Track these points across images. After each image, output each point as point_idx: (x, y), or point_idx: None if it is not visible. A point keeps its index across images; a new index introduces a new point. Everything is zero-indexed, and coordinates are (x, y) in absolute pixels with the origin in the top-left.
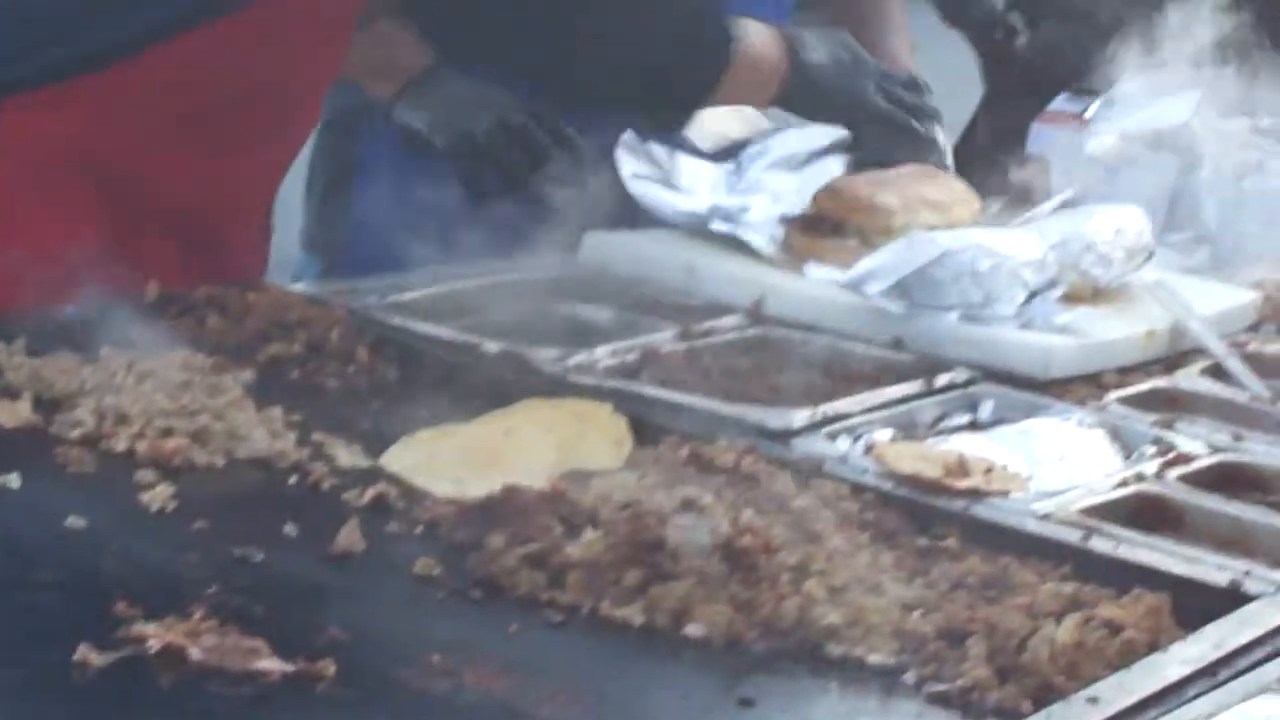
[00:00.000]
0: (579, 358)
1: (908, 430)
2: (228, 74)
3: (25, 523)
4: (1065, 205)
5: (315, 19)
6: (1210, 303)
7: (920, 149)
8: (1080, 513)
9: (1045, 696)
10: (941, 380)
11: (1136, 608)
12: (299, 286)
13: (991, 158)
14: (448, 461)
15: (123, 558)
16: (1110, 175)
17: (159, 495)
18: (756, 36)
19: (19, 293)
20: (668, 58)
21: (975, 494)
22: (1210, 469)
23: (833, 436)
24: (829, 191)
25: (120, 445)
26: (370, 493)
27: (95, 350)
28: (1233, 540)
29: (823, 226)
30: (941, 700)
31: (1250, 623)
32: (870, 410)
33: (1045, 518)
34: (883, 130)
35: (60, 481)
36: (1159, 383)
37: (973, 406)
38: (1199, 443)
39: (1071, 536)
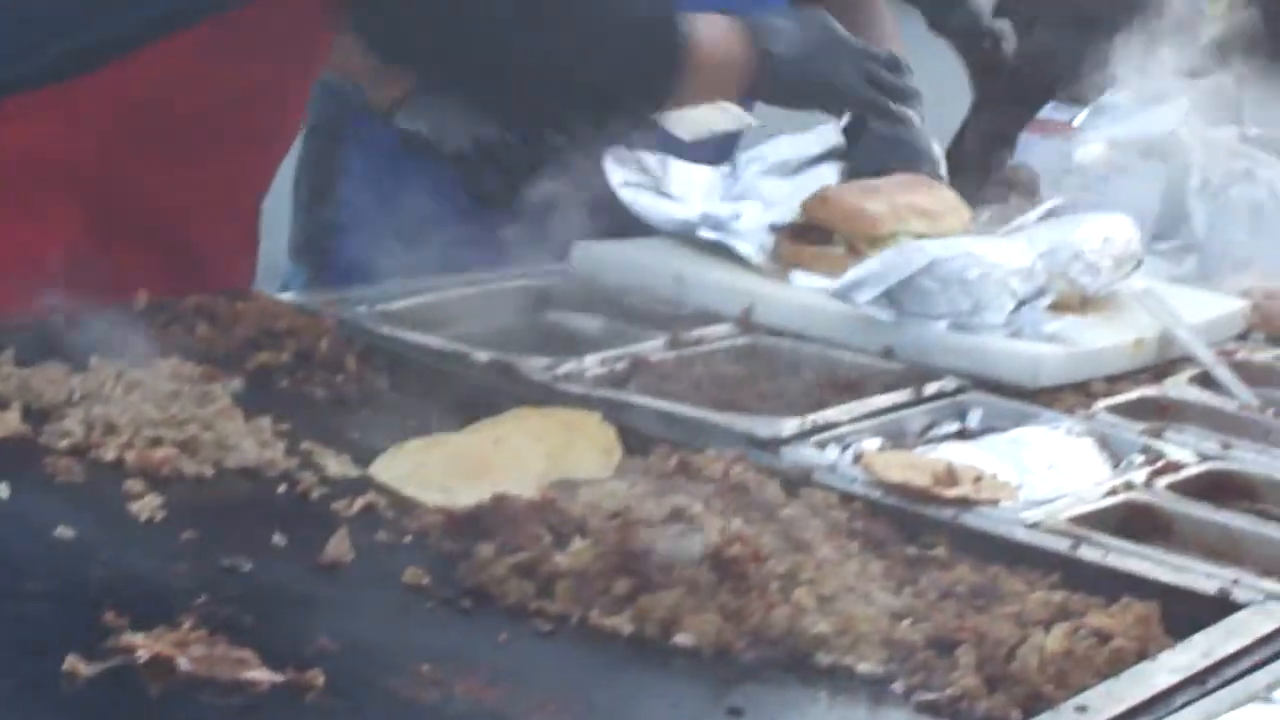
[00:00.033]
0: (568, 367)
1: (896, 439)
2: (204, 80)
3: (14, 533)
4: (1052, 214)
5: (292, 23)
6: (1198, 311)
7: (915, 159)
8: (1069, 521)
9: (1034, 705)
10: (930, 389)
11: (1125, 616)
12: (287, 295)
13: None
14: (437, 471)
15: (111, 567)
16: (1098, 184)
17: (148, 505)
18: (713, 30)
19: None
20: (616, 69)
21: (964, 503)
22: (1199, 477)
23: (822, 445)
24: (818, 199)
25: (109, 455)
26: (359, 502)
27: (84, 360)
28: (1221, 549)
29: (811, 234)
30: (930, 709)
31: (1239, 631)
32: (859, 419)
33: (1034, 526)
34: (878, 139)
35: (49, 491)
36: (1147, 391)
37: (961, 415)
38: (1187, 451)
39: (1060, 545)
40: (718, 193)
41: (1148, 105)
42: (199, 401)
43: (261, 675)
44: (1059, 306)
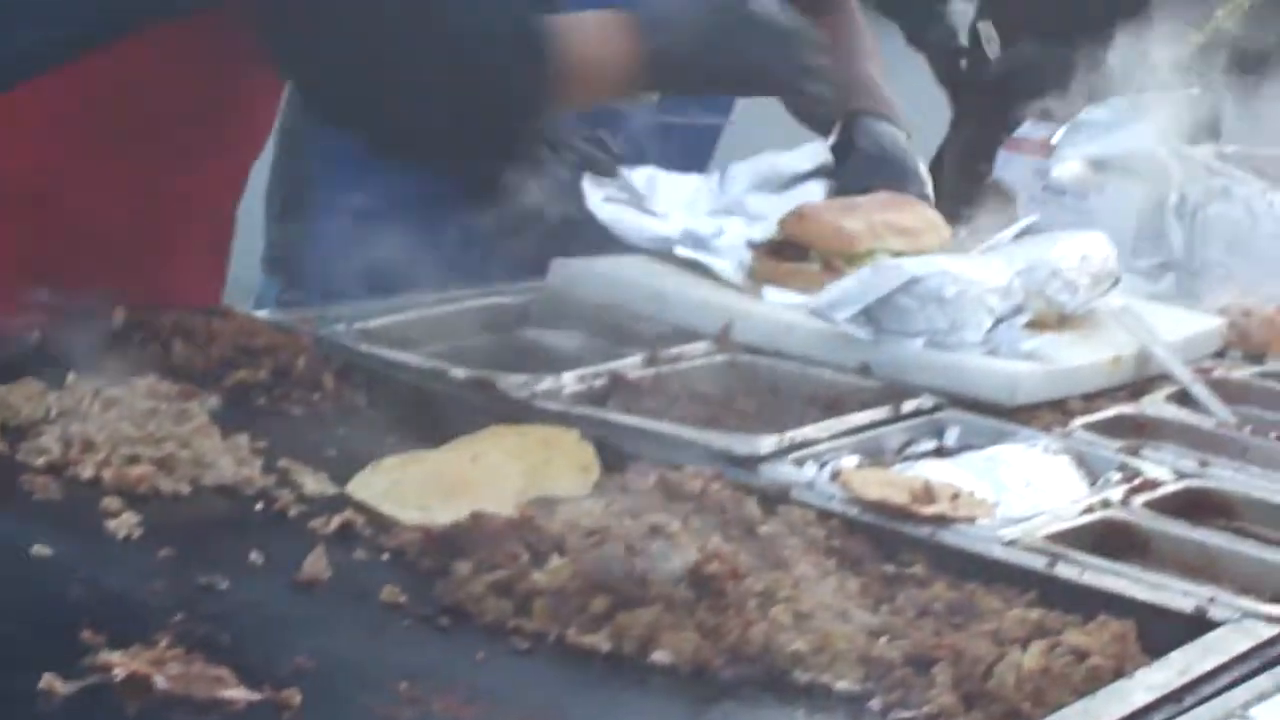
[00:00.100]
0: (546, 384)
1: (874, 456)
2: (158, 88)
3: None
4: (1028, 231)
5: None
6: (1176, 329)
7: (902, 177)
8: (1046, 539)
9: None
10: (908, 406)
11: (1102, 634)
12: (264, 313)
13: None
14: (414, 488)
15: (88, 585)
16: (1076, 201)
17: (125, 523)
18: (589, 30)
19: None
20: (483, 86)
21: (941, 520)
22: (1176, 495)
23: (799, 463)
24: (795, 216)
25: (86, 472)
26: (337, 520)
27: (61, 377)
28: (1198, 566)
29: (787, 251)
30: None
31: (1215, 649)
32: (837, 436)
33: (1011, 544)
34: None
35: (26, 509)
36: (1125, 409)
37: (939, 433)
38: (1164, 469)
39: (1037, 563)
40: (703, 207)
41: (1126, 123)
42: (176, 419)
43: (238, 694)
44: (1036, 324)
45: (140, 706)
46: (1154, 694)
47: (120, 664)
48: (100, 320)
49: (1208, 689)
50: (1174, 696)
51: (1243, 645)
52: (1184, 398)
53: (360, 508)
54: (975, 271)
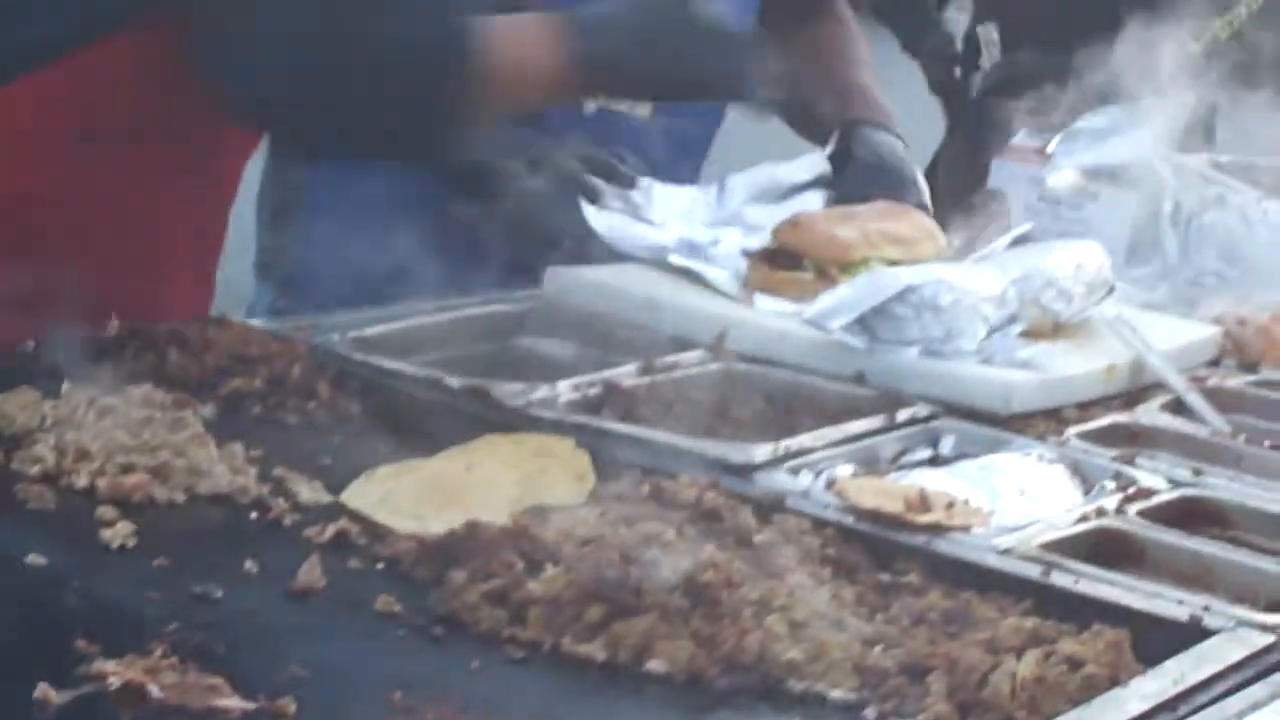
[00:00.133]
0: (541, 392)
1: (869, 465)
2: (133, 91)
3: None
4: (1022, 240)
5: None
6: (1170, 338)
7: (900, 186)
8: (1041, 548)
9: None
10: (903, 415)
11: (1097, 643)
12: (258, 321)
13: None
14: (409, 497)
15: (83, 594)
16: (1071, 210)
17: (119, 532)
18: (516, 33)
19: None
20: (397, 88)
21: (936, 529)
22: (1170, 504)
23: (794, 471)
24: (789, 224)
25: (81, 482)
26: (331, 529)
27: (56, 386)
28: (1193, 575)
29: (781, 259)
30: None
31: (1210, 658)
32: (832, 445)
33: (1006, 553)
34: (863, 167)
35: (20, 518)
36: (1119, 418)
37: (934, 441)
38: (1159, 478)
39: (1032, 572)
40: (700, 218)
41: (1120, 132)
42: (171, 428)
43: (233, 703)
44: (1031, 333)
45: (135, 716)
46: (1148, 703)
47: (115, 673)
48: (95, 329)
49: (1202, 698)
50: (1168, 705)
51: (1237, 654)
52: (1179, 406)
53: (355, 517)
54: (970, 280)
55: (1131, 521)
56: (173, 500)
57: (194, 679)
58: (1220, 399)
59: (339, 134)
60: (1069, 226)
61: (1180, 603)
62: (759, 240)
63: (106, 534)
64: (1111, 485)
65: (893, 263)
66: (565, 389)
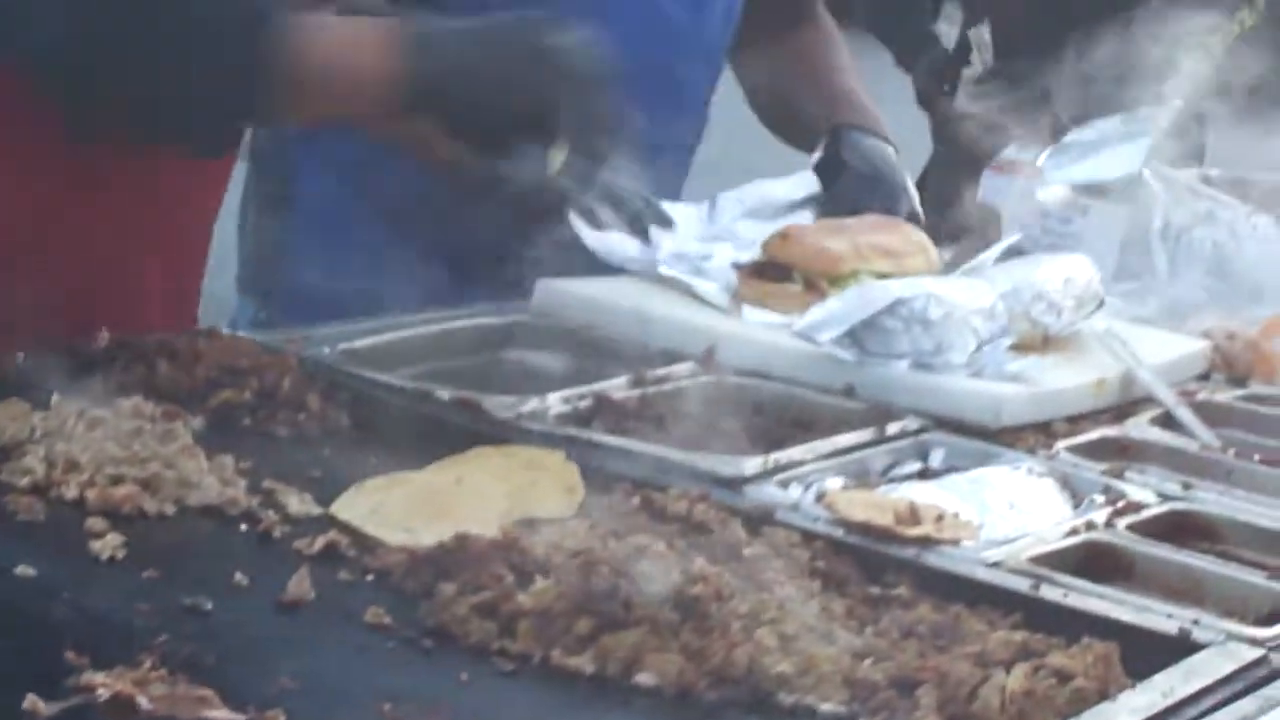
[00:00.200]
0: (531, 405)
1: (859, 478)
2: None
3: None
4: (1010, 253)
5: None
6: (1160, 352)
7: (892, 195)
8: (1030, 561)
9: None
10: (893, 428)
11: (1086, 656)
12: (246, 333)
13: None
14: (398, 510)
15: (72, 606)
16: (1060, 224)
17: (109, 543)
18: (345, 36)
19: None
20: (193, 77)
21: (926, 542)
22: (1160, 518)
23: (784, 484)
24: (779, 237)
25: (70, 493)
26: (321, 541)
27: (46, 398)
28: (1182, 589)
29: (770, 272)
30: None
31: (1199, 672)
32: (822, 458)
33: (995, 566)
34: (855, 176)
35: (9, 529)
36: (1109, 431)
37: (924, 455)
38: (1148, 492)
39: (1021, 585)
40: (692, 234)
41: (1110, 146)
42: (161, 439)
43: (222, 715)
44: (1021, 347)
45: None
46: (1137, 716)
47: (104, 685)
48: (84, 341)
49: (1191, 712)
50: (1158, 719)
51: (1227, 668)
52: (1168, 421)
53: (345, 529)
54: (960, 294)
55: (1121, 535)
56: (162, 512)
57: (183, 691)
58: (1209, 413)
59: (129, 108)
60: (1059, 240)
61: (1169, 616)
62: (750, 254)
63: (96, 545)
64: (1101, 499)
65: (882, 276)
66: (555, 401)
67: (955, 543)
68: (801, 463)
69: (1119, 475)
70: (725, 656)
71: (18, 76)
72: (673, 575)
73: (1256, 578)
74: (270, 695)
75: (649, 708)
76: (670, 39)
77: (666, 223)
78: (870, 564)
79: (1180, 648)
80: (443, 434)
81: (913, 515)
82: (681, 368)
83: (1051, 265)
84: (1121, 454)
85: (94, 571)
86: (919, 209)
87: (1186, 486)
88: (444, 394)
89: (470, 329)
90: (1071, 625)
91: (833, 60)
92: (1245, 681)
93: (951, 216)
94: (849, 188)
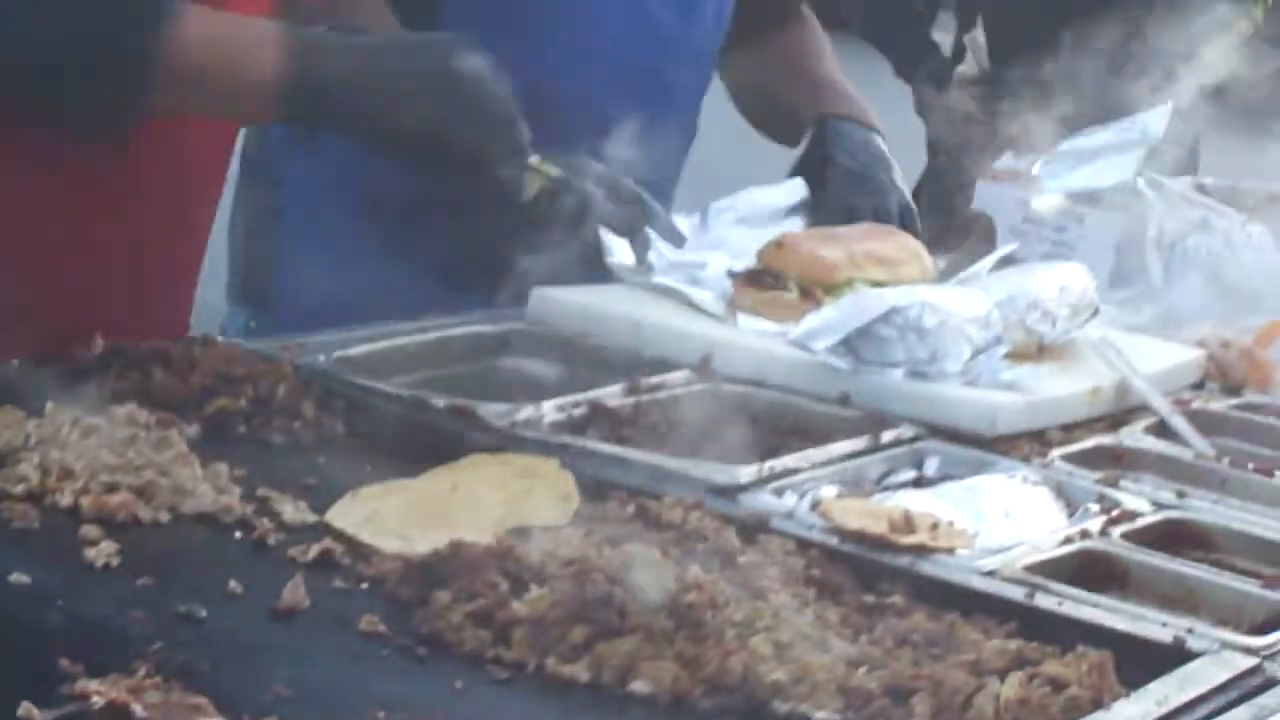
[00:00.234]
0: (526, 413)
1: (854, 486)
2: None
3: None
4: (1006, 261)
5: None
6: (1154, 360)
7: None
8: (1025, 570)
9: None
10: (887, 436)
11: (1080, 665)
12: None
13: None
14: (393, 517)
15: (66, 613)
16: (1055, 232)
17: (103, 551)
18: (234, 31)
19: None
20: (68, 51)
21: (921, 550)
22: (1154, 526)
23: (779, 492)
24: (774, 245)
25: (65, 500)
26: (315, 549)
27: (40, 405)
28: (1176, 598)
29: (765, 280)
30: None
31: (1193, 680)
32: (816, 466)
33: (990, 574)
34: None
35: (4, 537)
36: (1103, 440)
37: (918, 463)
38: (1143, 500)
39: (1016, 593)
40: (687, 243)
41: (1104, 154)
42: (155, 447)
43: None
44: (1016, 355)
45: None
46: None
47: (98, 692)
48: (79, 348)
49: None
50: None
51: (1221, 676)
52: (1162, 429)
53: (339, 536)
54: (955, 302)
55: (1115, 544)
56: (157, 519)
57: (178, 699)
58: (1204, 422)
59: (11, 76)
60: (1053, 249)
61: (1164, 625)
62: (744, 262)
63: (90, 553)
64: (1096, 507)
65: (877, 284)
66: (550, 409)
67: (950, 551)
68: (796, 471)
69: (1114, 484)
70: (720, 664)
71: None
72: (667, 583)
73: (1251, 586)
74: (264, 703)
75: (644, 716)
76: (660, 43)
77: (679, 240)
78: (865, 572)
79: (1175, 656)
80: (438, 442)
81: (907, 523)
82: (676, 376)
83: (1046, 274)
84: (1116, 462)
85: (88, 579)
86: (910, 202)
87: (1181, 495)
88: (439, 402)
89: (465, 337)
90: (1066, 634)
91: (817, 52)
92: (1240, 690)
93: (947, 225)
94: (837, 185)
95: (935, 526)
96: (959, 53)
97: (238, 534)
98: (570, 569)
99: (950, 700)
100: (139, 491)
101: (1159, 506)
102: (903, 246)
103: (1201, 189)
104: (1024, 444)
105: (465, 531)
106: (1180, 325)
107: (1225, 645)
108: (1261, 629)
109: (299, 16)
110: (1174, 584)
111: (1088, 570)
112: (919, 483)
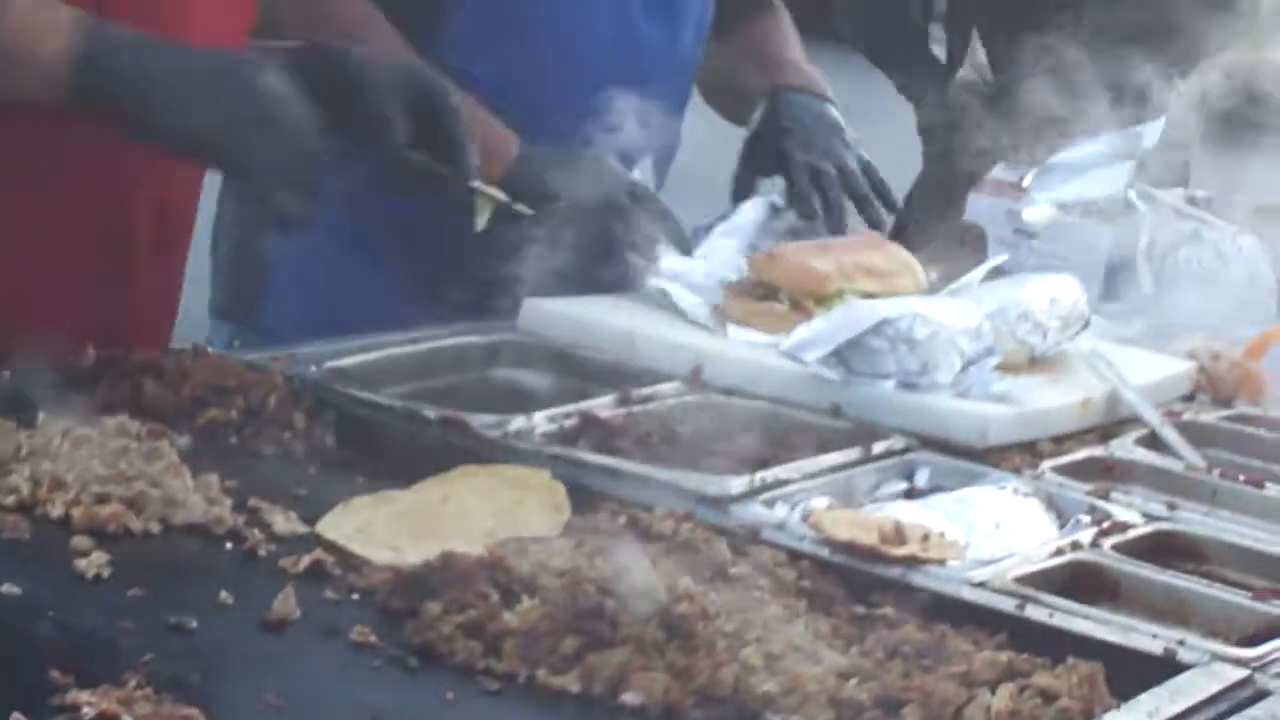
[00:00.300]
0: (517, 424)
1: (845, 497)
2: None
3: None
4: (996, 273)
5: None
6: (1145, 372)
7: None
8: (1016, 581)
9: None
10: (878, 448)
11: (1071, 676)
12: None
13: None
14: (384, 528)
15: (58, 624)
16: (1046, 244)
17: (94, 562)
18: (33, 14)
19: None
20: None
21: (912, 561)
22: (1145, 538)
23: (770, 503)
24: (765, 257)
25: (56, 511)
26: (306, 560)
27: (32, 416)
28: (1167, 609)
29: (756, 291)
30: None
31: (1184, 692)
32: (808, 477)
33: (981, 586)
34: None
35: None
36: (1094, 451)
37: (909, 474)
38: (1134, 512)
39: (1007, 605)
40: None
41: (1096, 166)
42: (146, 458)
43: None
44: (1006, 366)
45: None
46: None
47: (89, 703)
48: (70, 359)
49: None
50: None
51: (1211, 688)
52: (1153, 441)
53: (330, 547)
54: (946, 313)
55: (1106, 555)
56: (148, 530)
57: (169, 709)
58: (1195, 434)
59: None
60: (1044, 260)
61: (1155, 637)
62: (732, 273)
63: (81, 564)
64: (1086, 519)
65: (868, 295)
66: (541, 420)
67: (941, 562)
68: (787, 482)
69: (1104, 495)
70: (711, 676)
71: None
72: (658, 594)
73: (1241, 598)
74: (255, 714)
75: None
76: (643, 53)
77: (686, 249)
78: (856, 583)
79: (1165, 668)
80: (429, 453)
81: (898, 535)
82: (667, 387)
83: (1037, 285)
84: (1107, 474)
85: (79, 590)
86: (865, 155)
87: (1172, 507)
88: (430, 413)
89: (456, 348)
90: (1057, 645)
91: (780, 37)
92: (1230, 702)
93: (938, 237)
94: (796, 151)
95: (926, 538)
96: (954, 63)
97: (229, 545)
98: (561, 580)
99: (941, 712)
100: (130, 502)
101: (1150, 518)
102: (894, 258)
103: (1193, 201)
104: (1015, 455)
105: (456, 542)
106: (1171, 337)
107: (1216, 657)
108: (1252, 640)
109: (281, 36)
110: (1165, 596)
111: (1079, 582)
112: (910, 494)
